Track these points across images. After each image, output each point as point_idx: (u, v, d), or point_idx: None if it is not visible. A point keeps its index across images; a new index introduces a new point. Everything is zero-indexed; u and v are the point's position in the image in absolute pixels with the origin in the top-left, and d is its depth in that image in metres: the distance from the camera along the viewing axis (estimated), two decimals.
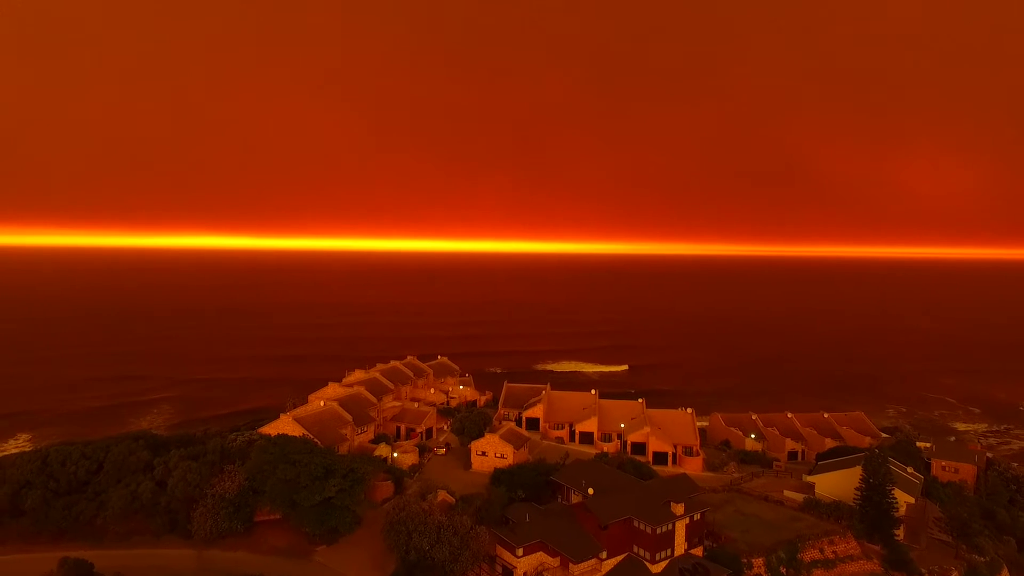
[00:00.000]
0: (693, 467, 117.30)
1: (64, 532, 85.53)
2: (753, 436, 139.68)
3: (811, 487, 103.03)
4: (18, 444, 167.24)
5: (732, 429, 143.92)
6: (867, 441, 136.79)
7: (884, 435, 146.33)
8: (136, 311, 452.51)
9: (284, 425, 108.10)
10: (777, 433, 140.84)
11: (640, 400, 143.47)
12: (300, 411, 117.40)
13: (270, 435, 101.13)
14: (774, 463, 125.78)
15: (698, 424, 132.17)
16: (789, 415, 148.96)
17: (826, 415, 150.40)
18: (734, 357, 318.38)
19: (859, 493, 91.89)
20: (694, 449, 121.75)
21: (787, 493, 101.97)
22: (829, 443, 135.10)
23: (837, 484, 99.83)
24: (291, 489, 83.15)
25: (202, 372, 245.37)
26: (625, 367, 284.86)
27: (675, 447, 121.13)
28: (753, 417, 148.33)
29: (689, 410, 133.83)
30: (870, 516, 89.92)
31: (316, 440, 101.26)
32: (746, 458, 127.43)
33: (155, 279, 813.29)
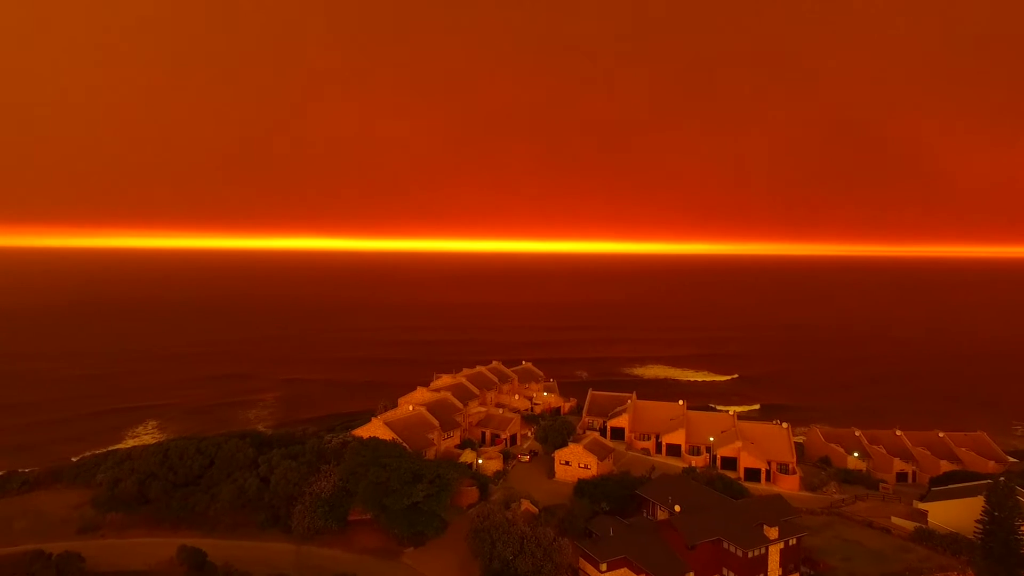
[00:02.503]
0: (789, 486, 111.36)
1: (182, 520, 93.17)
2: (856, 454, 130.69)
3: (924, 515, 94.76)
4: (147, 431, 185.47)
5: (832, 445, 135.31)
6: (990, 466, 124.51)
7: (1012, 459, 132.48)
8: (244, 310, 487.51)
9: (375, 428, 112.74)
10: (884, 452, 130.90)
11: (731, 412, 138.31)
12: (390, 415, 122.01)
13: (362, 438, 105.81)
14: (880, 485, 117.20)
15: (794, 439, 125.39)
16: (898, 432, 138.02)
17: (941, 434, 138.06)
18: (836, 367, 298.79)
19: (981, 526, 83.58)
20: (790, 466, 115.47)
21: (895, 520, 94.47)
22: (945, 466, 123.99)
23: (955, 514, 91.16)
24: (381, 492, 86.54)
25: (300, 373, 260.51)
26: (719, 377, 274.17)
27: (769, 464, 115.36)
28: (856, 433, 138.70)
29: (784, 424, 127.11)
30: (995, 553, 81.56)
31: (405, 444, 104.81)
32: (848, 478, 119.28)
33: (259, 280, 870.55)
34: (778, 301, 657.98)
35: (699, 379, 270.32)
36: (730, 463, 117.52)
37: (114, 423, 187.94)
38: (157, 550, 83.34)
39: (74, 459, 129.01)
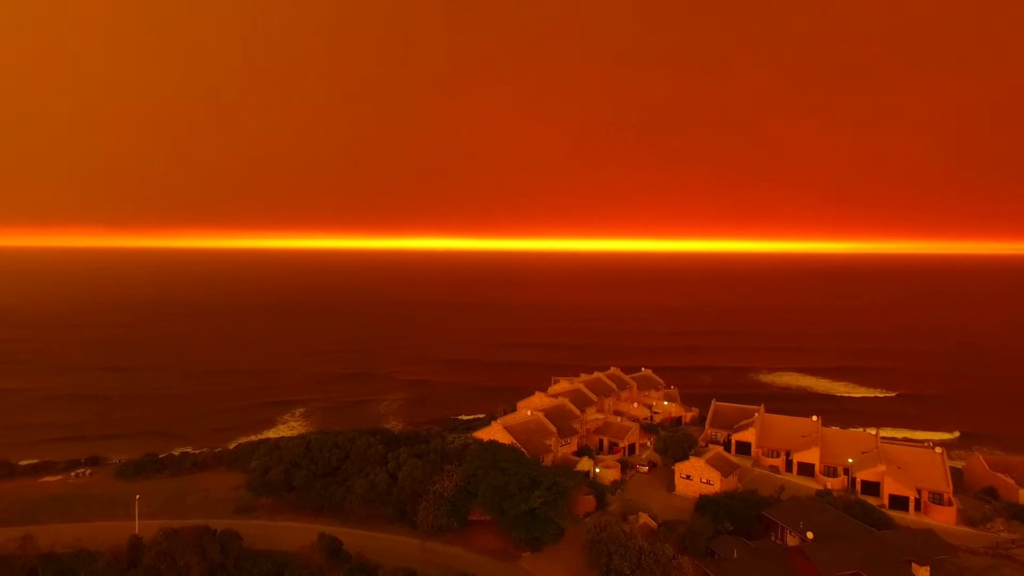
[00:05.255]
0: (943, 518, 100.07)
1: (322, 508, 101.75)
2: None
3: None
4: (294, 419, 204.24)
5: (999, 475, 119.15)
6: None
7: None
8: (374, 309, 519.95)
9: (495, 432, 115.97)
10: None
11: (874, 432, 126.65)
12: (509, 419, 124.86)
13: (483, 440, 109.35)
14: None
15: (950, 464, 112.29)
16: None
17: None
18: (1013, 386, 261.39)
19: None
20: (945, 497, 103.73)
21: None
22: None
23: None
24: (500, 496, 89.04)
25: (423, 373, 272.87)
26: (867, 392, 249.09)
27: (919, 492, 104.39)
28: None
29: (939, 449, 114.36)
30: None
31: (523, 449, 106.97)
32: (1019, 514, 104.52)
33: (386, 280, 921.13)
34: (942, 307, 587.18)
35: (847, 394, 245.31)
36: (872, 488, 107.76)
37: (264, 415, 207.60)
38: (300, 535, 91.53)
39: (232, 445, 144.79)
